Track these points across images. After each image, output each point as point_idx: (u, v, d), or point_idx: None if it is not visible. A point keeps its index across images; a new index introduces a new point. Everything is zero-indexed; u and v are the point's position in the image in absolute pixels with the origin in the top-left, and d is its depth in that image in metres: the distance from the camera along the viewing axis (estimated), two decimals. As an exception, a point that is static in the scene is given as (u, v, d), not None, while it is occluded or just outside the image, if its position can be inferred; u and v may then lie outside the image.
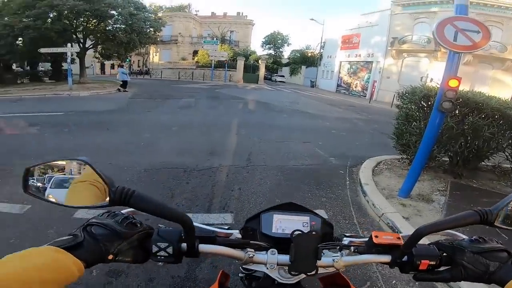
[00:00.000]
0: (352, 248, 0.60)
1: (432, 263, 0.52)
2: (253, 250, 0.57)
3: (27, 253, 0.39)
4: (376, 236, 0.56)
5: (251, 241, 0.58)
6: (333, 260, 0.57)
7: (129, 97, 12.17)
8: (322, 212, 2.98)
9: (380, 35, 22.10)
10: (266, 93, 18.39)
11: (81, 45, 18.07)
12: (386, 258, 0.55)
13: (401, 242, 0.54)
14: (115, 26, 18.57)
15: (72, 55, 15.35)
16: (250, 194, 3.32)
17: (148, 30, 20.52)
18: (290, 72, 39.84)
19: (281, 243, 0.59)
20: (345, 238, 0.64)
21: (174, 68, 30.95)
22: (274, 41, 45.96)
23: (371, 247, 0.56)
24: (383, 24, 21.67)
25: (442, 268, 0.53)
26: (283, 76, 38.17)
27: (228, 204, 3.03)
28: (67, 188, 0.48)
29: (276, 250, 0.58)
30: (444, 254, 0.53)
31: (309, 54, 39.03)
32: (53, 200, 0.49)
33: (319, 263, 0.56)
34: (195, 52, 34.67)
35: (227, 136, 6.04)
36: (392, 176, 4.07)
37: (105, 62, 28.83)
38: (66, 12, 15.49)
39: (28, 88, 15.34)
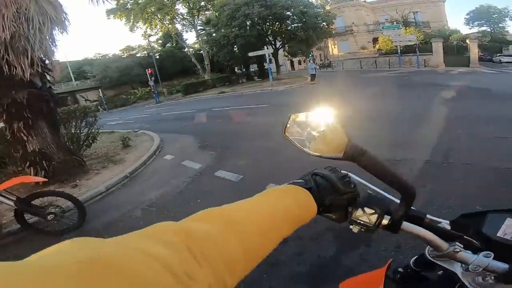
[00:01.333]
0: None
1: None
2: (461, 246, 0.52)
3: (282, 190, 0.44)
4: None
5: (465, 236, 0.52)
6: None
7: (314, 88, 13.39)
8: None
9: None
10: (482, 77, 13.79)
11: (273, 46, 21.93)
12: None
13: None
14: (293, 25, 21.01)
15: (269, 56, 19.06)
16: (441, 195, 2.76)
17: (322, 25, 21.59)
18: None
19: (501, 251, 0.51)
20: None
21: (355, 58, 30.58)
22: (486, 16, 36.84)
23: None
24: None
25: None
26: (511, 56, 27.20)
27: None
28: (310, 136, 0.53)
29: (492, 254, 0.50)
30: None
31: None
32: (300, 146, 0.55)
33: None
34: (375, 40, 32.91)
35: (418, 126, 5.24)
36: None
37: (292, 59, 33.15)
38: (256, 19, 19.16)
39: (245, 86, 20.89)
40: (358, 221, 0.49)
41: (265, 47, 19.31)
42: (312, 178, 0.50)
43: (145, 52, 35.46)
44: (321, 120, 0.51)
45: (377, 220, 0.48)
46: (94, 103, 21.21)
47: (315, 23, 21.04)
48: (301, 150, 0.54)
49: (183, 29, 30.04)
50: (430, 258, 0.58)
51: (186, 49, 32.28)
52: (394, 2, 35.98)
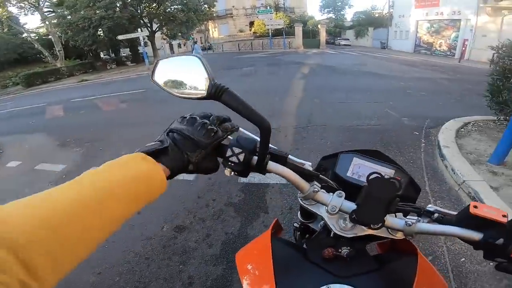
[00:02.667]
0: (435, 215, 0.51)
1: None
2: (319, 185, 0.54)
3: (123, 161, 0.39)
4: (475, 207, 0.46)
5: (321, 175, 0.54)
6: (406, 223, 0.49)
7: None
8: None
9: (466, -10, 18.18)
10: (328, 57, 17.19)
11: (149, 29, 19.86)
12: (476, 235, 0.46)
13: (506, 220, 0.44)
14: (172, 7, 19.82)
15: (144, 39, 17.03)
16: (308, 154, 3.26)
17: (203, 7, 21.32)
18: (356, 35, 37.06)
19: (352, 191, 0.53)
20: (430, 205, 0.54)
21: (233, 40, 31.89)
22: (333, 4, 44.25)
23: (461, 220, 0.47)
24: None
25: None
26: (347, 40, 35.87)
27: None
28: (177, 80, 0.52)
29: (344, 193, 0.53)
30: None
31: (376, 15, 35.70)
32: (167, 89, 0.52)
33: (387, 222, 0.49)
34: (251, 23, 34.86)
35: (286, 99, 5.94)
36: (483, 139, 3.43)
37: (172, 43, 31.05)
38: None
39: (115, 72, 17.89)
40: (229, 162, 0.49)
41: (140, 29, 16.99)
42: (169, 137, 0.47)
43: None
44: (187, 64, 0.51)
45: (245, 159, 0.48)
46: None
47: (196, 5, 20.25)
48: (168, 93, 0.53)
49: (20, 12, 22.35)
50: (302, 203, 0.58)
51: (25, 35, 24.51)
52: None
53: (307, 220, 0.74)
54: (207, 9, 22.48)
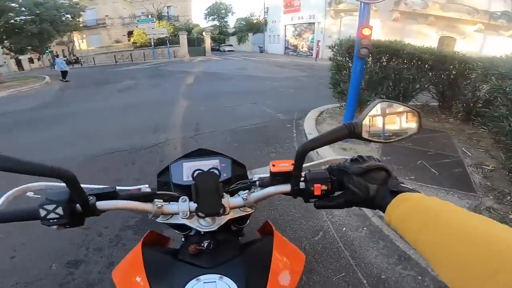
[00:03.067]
0: (257, 182, 0.59)
1: (325, 187, 0.50)
2: (161, 201, 0.55)
3: None
4: (274, 165, 0.54)
5: (158, 192, 0.56)
6: (242, 198, 0.56)
7: (57, 89, 10.69)
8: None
9: (319, -4, 22.40)
10: (214, 64, 17.77)
11: None
12: (286, 187, 0.53)
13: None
14: (19, 18, 16.02)
15: None
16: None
17: (65, 18, 18.19)
18: (238, 41, 39.71)
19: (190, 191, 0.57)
20: (255, 175, 0.62)
21: (108, 52, 28.41)
22: (218, 11, 45.29)
23: (273, 179, 0.55)
24: (321, -15, 21.88)
25: (336, 194, 0.51)
26: (231, 46, 37.96)
27: None
28: None
29: (187, 197, 0.56)
30: (336, 178, 0.51)
31: (255, 21, 39.26)
32: None
33: (231, 203, 0.56)
34: (130, 33, 32.34)
35: (172, 111, 5.78)
36: (333, 124, 4.36)
37: (20, 58, 24.57)
38: None
39: None
40: (50, 220, 0.46)
41: None
42: None
43: None
44: None
45: (65, 210, 0.46)
46: None
47: (54, 16, 16.64)
48: None
49: None
50: (160, 223, 0.58)
51: None
52: None
53: (185, 231, 0.74)
54: (70, 19, 19.13)
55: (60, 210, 0.46)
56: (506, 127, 2.57)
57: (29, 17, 16.09)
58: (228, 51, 35.04)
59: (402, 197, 0.42)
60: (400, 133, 0.53)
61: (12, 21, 15.84)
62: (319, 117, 4.61)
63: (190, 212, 0.54)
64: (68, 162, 3.29)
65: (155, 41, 25.68)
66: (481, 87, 4.13)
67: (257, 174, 0.63)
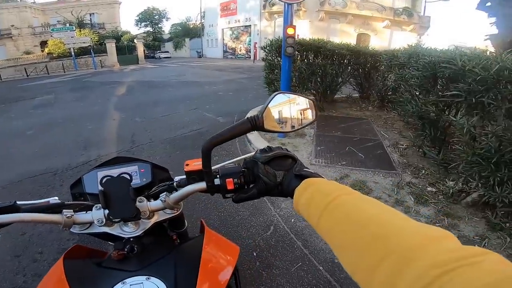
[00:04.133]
0: (175, 184, 0.59)
1: (236, 180, 0.51)
2: (71, 211, 0.52)
3: None
4: (187, 165, 0.54)
5: (66, 202, 0.54)
6: (161, 200, 0.55)
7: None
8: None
9: (253, -1, 23.11)
10: (148, 72, 16.82)
11: None
12: (202, 185, 0.53)
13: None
14: None
15: None
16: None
17: None
18: (174, 47, 38.26)
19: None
20: (176, 177, 0.61)
21: (17, 65, 24.34)
22: (150, 17, 42.67)
23: (189, 178, 0.55)
24: (255, -12, 22.60)
25: (251, 186, 0.52)
26: (167, 52, 36.25)
27: None
28: None
29: (100, 205, 0.53)
30: (248, 170, 0.52)
31: (191, 26, 38.34)
32: None
33: (151, 207, 0.55)
34: (43, 43, 28.82)
35: (103, 125, 5.29)
36: (271, 122, 4.54)
37: None
38: None
39: None
40: None
41: None
42: None
43: None
44: None
45: None
46: None
47: None
48: None
49: None
50: (78, 233, 0.56)
51: None
52: (71, 4, 33.23)
53: (115, 241, 0.70)
54: None
55: None
56: (410, 109, 3.03)
57: None
58: (165, 57, 33.47)
59: (307, 182, 0.43)
60: (299, 122, 0.56)
61: None
62: (258, 117, 4.76)
63: (106, 219, 0.53)
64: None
65: (76, 50, 23.10)
66: (388, 77, 4.81)
67: (178, 176, 0.62)
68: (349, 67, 5.52)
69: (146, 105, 6.77)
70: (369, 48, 5.77)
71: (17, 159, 3.86)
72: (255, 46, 23.90)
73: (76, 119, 5.88)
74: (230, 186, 0.51)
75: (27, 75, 22.06)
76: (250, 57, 24.92)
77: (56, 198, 0.58)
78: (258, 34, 23.93)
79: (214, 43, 30.76)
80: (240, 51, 27.48)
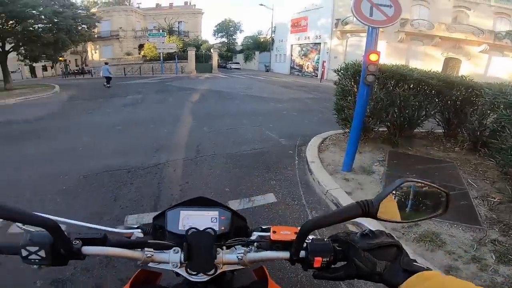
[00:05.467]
0: (256, 244, 0.57)
1: (326, 259, 0.50)
2: (152, 250, 0.54)
3: None
4: (274, 232, 0.53)
5: (149, 241, 0.55)
6: (237, 257, 0.55)
7: (65, 100, 10.93)
8: (271, 196, 3.01)
9: (325, 17, 22.96)
10: (219, 82, 18.05)
11: None
12: (285, 254, 0.52)
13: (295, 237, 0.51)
14: (38, 26, 16.54)
15: None
16: (199, 186, 3.24)
17: (80, 28, 18.72)
18: (245, 59, 40.35)
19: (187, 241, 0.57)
20: (254, 233, 0.61)
21: (119, 64, 28.94)
22: (226, 28, 45.84)
23: (273, 245, 0.54)
24: (328, 6, 22.51)
25: (338, 264, 0.51)
26: (238, 63, 38.42)
27: (176, 199, 2.91)
28: None
29: (179, 249, 0.55)
30: (340, 248, 0.51)
31: (262, 40, 40.01)
32: None
33: (225, 259, 0.55)
34: (141, 46, 33.19)
35: (175, 130, 5.78)
36: (336, 151, 4.27)
37: (34, 65, 25.42)
38: None
39: None
40: (32, 260, 0.49)
41: None
42: None
43: None
44: None
45: (48, 253, 0.48)
46: None
47: (71, 25, 17.20)
48: None
49: None
50: (145, 268, 0.60)
51: None
52: (165, 11, 38.04)
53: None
54: (86, 29, 19.70)
55: (42, 253, 0.48)
56: (514, 160, 2.46)
57: (47, 26, 16.56)
58: (235, 68, 35.49)
59: (421, 276, 0.42)
60: (422, 214, 0.52)
61: (31, 28, 16.34)
62: (322, 144, 4.53)
63: (181, 263, 0.54)
64: (71, 175, 3.37)
65: (164, 55, 26.07)
66: (488, 115, 4.03)
67: (256, 232, 0.62)
68: (436, 99, 4.81)
69: (214, 116, 7.17)
70: (465, 78, 4.90)
71: (103, 151, 4.45)
72: (323, 65, 23.45)
73: (155, 121, 6.60)
74: (317, 264, 0.50)
75: (125, 74, 26.09)
76: (317, 76, 24.51)
77: (139, 230, 0.62)
78: (327, 52, 23.46)
79: (282, 59, 31.25)
80: (307, 68, 27.27)
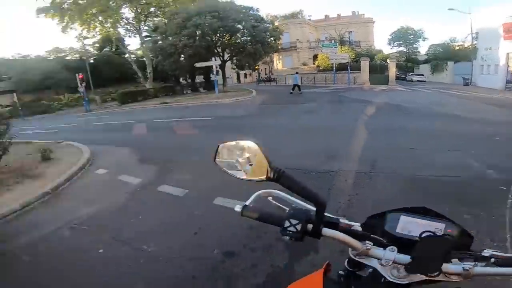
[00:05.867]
0: (492, 259, 0.54)
1: None
2: (371, 243, 0.59)
3: None
4: None
5: (372, 235, 0.60)
6: (463, 268, 0.52)
7: (258, 103, 13.83)
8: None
9: None
10: (397, 95, 16.15)
11: (221, 58, 21.89)
12: None
13: None
14: (242, 38, 21.50)
15: (216, 67, 19.06)
16: (369, 201, 3.14)
17: (270, 40, 22.32)
18: (432, 70, 33.58)
19: (403, 245, 0.58)
20: (485, 251, 0.57)
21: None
22: (404, 37, 40.25)
23: None
24: None
25: None
26: (422, 75, 32.53)
27: (343, 208, 2.99)
28: (236, 164, 0.61)
29: (396, 248, 0.57)
30: None
31: (457, 48, 31.99)
32: (228, 171, 0.62)
33: (444, 268, 0.53)
34: (315, 57, 35.08)
35: (348, 141, 5.75)
36: None
37: (239, 72, 33.59)
38: (206, 29, 19.19)
39: (189, 97, 20.27)
40: (287, 231, 0.57)
41: (213, 58, 19.15)
42: None
43: (77, 55, 31.46)
44: (245, 148, 0.59)
45: (302, 228, 0.56)
46: (6, 108, 17.74)
47: (263, 38, 21.71)
48: (229, 175, 0.62)
49: (126, 34, 27.86)
50: (353, 257, 0.64)
51: (127, 55, 29.62)
52: (333, 22, 39.97)
53: (354, 268, 0.77)
54: (273, 41, 23.11)
55: (299, 227, 0.55)
56: None
57: (248, 38, 21.23)
58: (418, 81, 30.16)
59: None
60: None
61: (239, 41, 21.69)
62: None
63: (393, 262, 0.55)
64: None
65: (336, 66, 26.30)
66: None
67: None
68: None
69: (393, 131, 6.59)
70: None
71: (285, 151, 5.04)
72: None
73: (328, 129, 6.96)
74: None
75: (301, 83, 28.99)
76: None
77: (359, 224, 0.65)
78: None
79: (492, 70, 23.45)
80: (534, 82, 19.10)
